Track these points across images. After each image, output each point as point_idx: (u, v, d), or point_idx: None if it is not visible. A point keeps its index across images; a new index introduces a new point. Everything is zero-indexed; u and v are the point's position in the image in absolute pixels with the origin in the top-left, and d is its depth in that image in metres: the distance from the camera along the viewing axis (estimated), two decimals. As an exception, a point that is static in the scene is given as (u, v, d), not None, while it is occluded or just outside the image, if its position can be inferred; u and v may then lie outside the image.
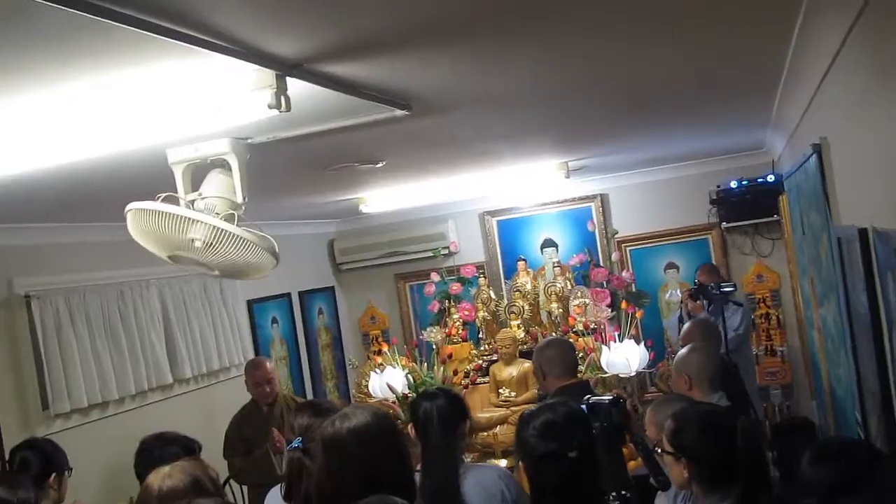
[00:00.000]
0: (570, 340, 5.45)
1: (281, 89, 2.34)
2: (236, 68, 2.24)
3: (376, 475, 2.41)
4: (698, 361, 4.00)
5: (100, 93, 2.32)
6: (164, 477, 2.64)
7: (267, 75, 2.31)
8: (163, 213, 2.89)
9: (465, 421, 3.37)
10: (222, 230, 2.88)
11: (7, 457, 3.98)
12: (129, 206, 2.95)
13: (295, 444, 3.17)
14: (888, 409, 2.92)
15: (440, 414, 3.24)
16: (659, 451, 2.86)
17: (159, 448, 3.50)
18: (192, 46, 1.95)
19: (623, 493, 3.09)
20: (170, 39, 1.87)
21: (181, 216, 2.88)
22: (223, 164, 3.20)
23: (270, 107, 2.33)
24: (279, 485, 3.30)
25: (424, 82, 2.88)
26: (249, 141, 3.23)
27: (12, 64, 2.00)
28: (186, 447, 3.55)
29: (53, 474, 3.75)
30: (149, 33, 1.81)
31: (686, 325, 5.42)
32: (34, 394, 4.89)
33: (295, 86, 2.40)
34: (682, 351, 4.13)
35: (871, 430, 3.38)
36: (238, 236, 2.93)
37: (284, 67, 2.31)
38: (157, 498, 2.55)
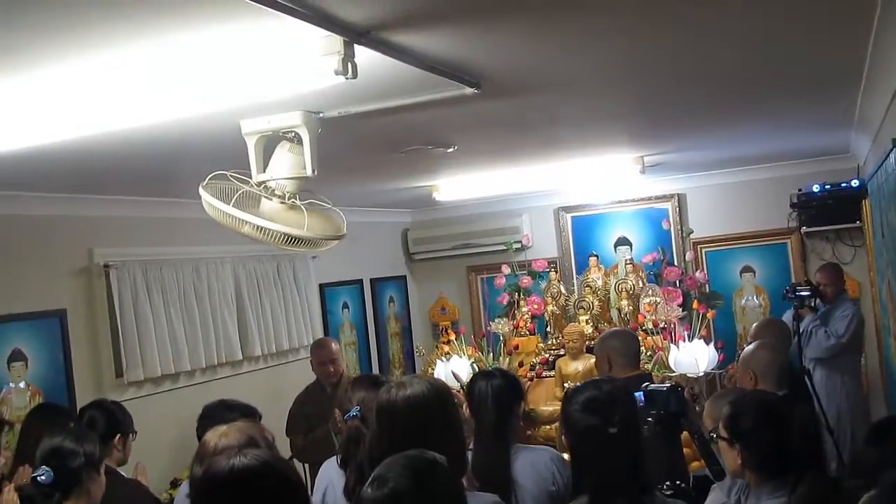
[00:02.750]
0: (632, 331, 5.39)
1: (348, 56, 2.37)
2: (305, 33, 2.28)
3: (427, 444, 2.42)
4: (765, 358, 3.94)
5: (171, 55, 2.39)
6: (221, 435, 2.70)
7: (335, 41, 2.34)
8: (215, 207, 3.07)
9: (519, 402, 3.36)
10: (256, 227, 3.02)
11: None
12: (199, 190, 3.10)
13: (353, 413, 3.22)
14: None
15: (495, 393, 3.24)
16: (714, 436, 2.83)
17: (221, 413, 3.57)
18: (261, 6, 1.99)
19: (678, 483, 3.08)
20: (239, -1, 1.92)
21: (230, 215, 3.04)
22: (294, 138, 3.28)
23: (337, 73, 2.36)
24: (335, 455, 3.36)
25: (495, 58, 2.88)
26: (321, 115, 3.28)
27: (92, 22, 2.08)
28: (246, 413, 3.63)
29: (118, 435, 3.84)
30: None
31: (754, 325, 5.31)
32: (109, 361, 5.06)
33: (363, 55, 2.43)
34: (749, 347, 4.07)
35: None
36: (285, 234, 3.03)
37: (352, 34, 2.34)
38: (212, 453, 2.61)
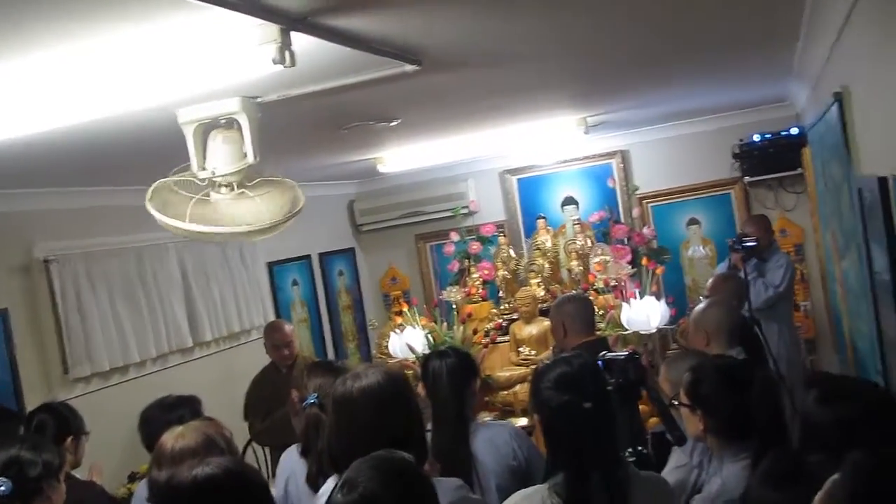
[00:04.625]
0: (588, 297, 5.42)
1: (285, 44, 2.30)
2: (240, 23, 2.20)
3: (386, 434, 2.39)
4: (716, 316, 3.96)
5: (105, 51, 2.29)
6: (178, 436, 2.65)
7: (271, 30, 2.26)
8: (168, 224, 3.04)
9: (475, 378, 3.35)
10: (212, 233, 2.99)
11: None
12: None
13: (311, 401, 3.18)
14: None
15: (450, 371, 3.24)
16: (676, 403, 2.84)
17: (160, 416, 3.52)
18: (194, 1, 1.91)
19: (639, 448, 3.09)
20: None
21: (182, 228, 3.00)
22: (229, 125, 3.18)
23: (275, 62, 2.29)
24: (296, 444, 3.32)
25: (434, 35, 2.82)
26: (259, 100, 3.19)
27: (17, 23, 1.98)
28: (187, 405, 3.60)
29: (70, 437, 3.77)
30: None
31: (710, 280, 5.34)
32: (55, 358, 4.93)
33: (300, 41, 2.36)
34: (700, 306, 4.09)
35: (892, 384, 3.35)
36: (234, 234, 2.98)
37: (288, 21, 2.27)
38: (169, 457, 2.55)
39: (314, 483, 2.92)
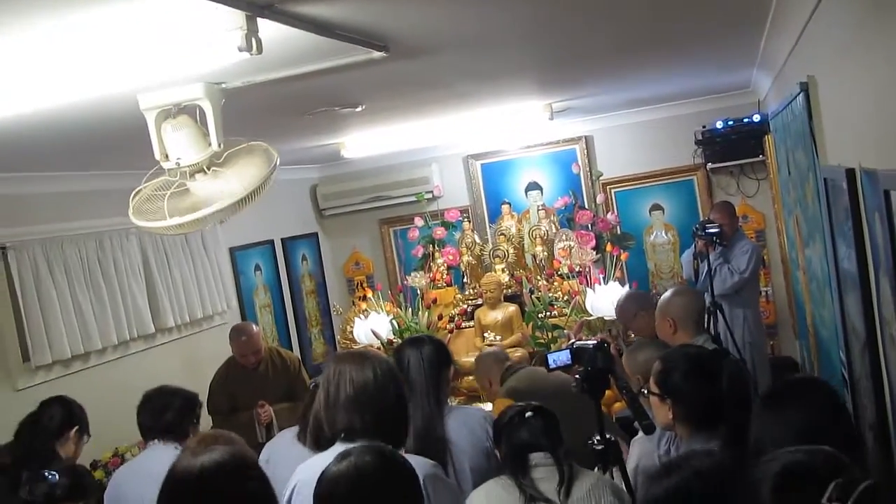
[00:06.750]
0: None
1: (252, 31, 2.25)
2: (205, 9, 2.15)
3: None
4: (682, 304, 3.98)
5: (67, 35, 2.23)
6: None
7: (237, 16, 2.21)
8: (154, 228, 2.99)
9: (449, 366, 3.39)
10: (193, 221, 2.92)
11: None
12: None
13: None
14: (872, 349, 2.90)
15: (426, 360, 3.28)
16: (645, 392, 2.86)
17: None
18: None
19: (608, 436, 3.12)
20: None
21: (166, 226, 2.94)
22: (183, 110, 3.11)
23: (241, 49, 2.25)
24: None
25: (401, 22, 2.79)
26: (224, 86, 3.13)
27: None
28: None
29: (75, 429, 3.89)
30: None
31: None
32: (14, 346, 4.84)
33: (267, 28, 2.31)
34: (666, 294, 4.09)
35: (855, 369, 3.38)
36: (205, 219, 2.93)
37: (254, 8, 2.22)
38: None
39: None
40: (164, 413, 3.69)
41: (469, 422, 3.25)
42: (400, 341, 6.06)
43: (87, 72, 2.60)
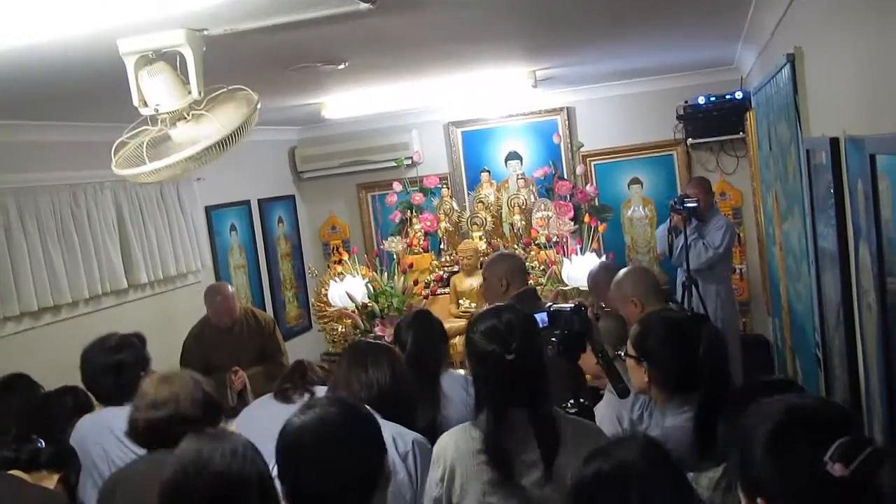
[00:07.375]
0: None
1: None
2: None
3: None
4: (635, 280, 3.95)
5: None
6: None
7: (222, -45, 2.17)
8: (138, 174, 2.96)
9: (447, 342, 3.84)
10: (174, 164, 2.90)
11: None
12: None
13: None
14: (848, 322, 2.91)
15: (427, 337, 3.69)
16: (622, 354, 2.85)
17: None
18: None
19: (581, 400, 3.12)
20: None
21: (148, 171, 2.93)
22: (175, 57, 3.06)
23: (226, -11, 2.20)
24: None
25: (390, -27, 2.75)
26: (206, 33, 3.07)
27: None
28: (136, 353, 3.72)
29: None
30: None
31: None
32: (-18, 296, 4.77)
33: (252, -30, 2.27)
34: (617, 277, 4.03)
35: (829, 344, 3.40)
36: (185, 161, 2.89)
37: (241, -53, 2.17)
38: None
39: None
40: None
41: (458, 381, 3.66)
42: (374, 305, 6.06)
43: (61, 9, 2.53)
